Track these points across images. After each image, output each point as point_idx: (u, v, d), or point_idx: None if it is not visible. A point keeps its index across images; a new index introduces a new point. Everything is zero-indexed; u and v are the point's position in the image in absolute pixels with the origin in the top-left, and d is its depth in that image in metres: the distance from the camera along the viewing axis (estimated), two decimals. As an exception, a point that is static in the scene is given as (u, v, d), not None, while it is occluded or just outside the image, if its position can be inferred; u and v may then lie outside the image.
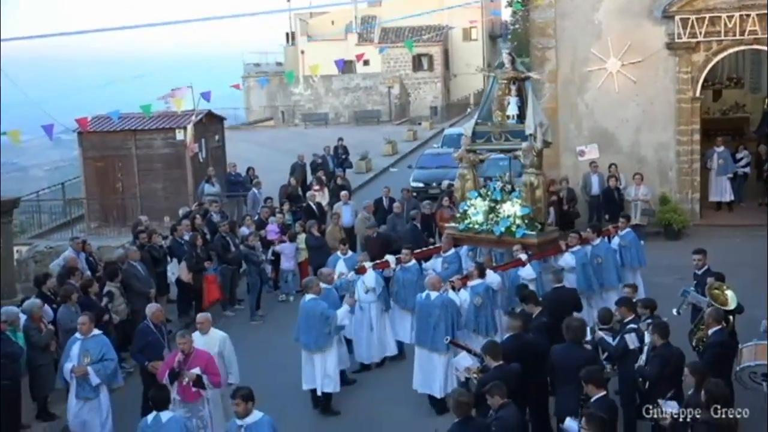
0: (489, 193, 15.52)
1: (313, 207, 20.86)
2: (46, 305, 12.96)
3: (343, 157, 30.12)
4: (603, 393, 8.86)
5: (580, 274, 14.50)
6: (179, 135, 23.92)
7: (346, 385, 13.03)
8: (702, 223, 21.84)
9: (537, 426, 10.81)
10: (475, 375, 10.11)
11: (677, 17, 21.13)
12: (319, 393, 12.57)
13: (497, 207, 15.27)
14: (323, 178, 24.49)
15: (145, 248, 16.27)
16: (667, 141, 21.93)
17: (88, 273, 15.33)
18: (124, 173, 24.31)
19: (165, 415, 9.24)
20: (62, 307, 12.98)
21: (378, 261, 14.67)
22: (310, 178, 26.20)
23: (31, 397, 12.42)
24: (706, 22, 20.97)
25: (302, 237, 18.46)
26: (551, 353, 10.23)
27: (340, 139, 31.35)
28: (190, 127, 23.39)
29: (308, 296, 12.53)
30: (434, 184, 26.04)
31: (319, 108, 55.68)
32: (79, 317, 11.60)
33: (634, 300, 11.63)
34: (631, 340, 10.50)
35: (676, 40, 21.25)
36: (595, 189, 21.50)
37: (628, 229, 16.18)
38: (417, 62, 59.33)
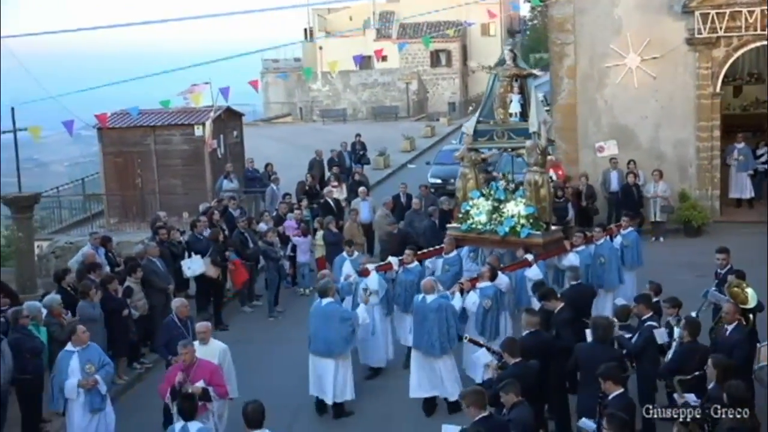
0: (492, 192, 15.25)
1: (331, 203, 20.88)
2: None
3: (361, 153, 30.11)
4: (621, 390, 8.82)
5: (583, 274, 14.16)
6: (198, 131, 23.98)
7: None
8: (722, 220, 21.71)
9: (558, 424, 10.79)
10: (494, 371, 10.11)
11: (697, 12, 20.99)
12: (330, 401, 12.29)
13: (501, 206, 14.99)
14: (338, 174, 24.52)
15: (164, 244, 16.34)
16: (686, 137, 21.81)
17: (107, 268, 15.42)
18: (143, 169, 24.42)
19: (193, 426, 8.80)
20: (81, 302, 13.05)
21: (381, 263, 14.48)
22: (328, 174, 26.22)
23: (51, 392, 12.52)
24: (726, 17, 20.82)
25: (320, 233, 18.48)
26: (576, 351, 10.19)
27: (358, 135, 31.33)
28: (208, 123, 23.46)
29: (325, 300, 12.31)
30: (452, 181, 25.84)
31: (337, 104, 55.72)
32: (79, 326, 11.09)
33: (654, 300, 11.57)
34: (660, 335, 10.48)
35: (696, 36, 21.11)
36: (615, 185, 21.43)
37: (630, 229, 16.03)
38: (435, 58, 59.23)
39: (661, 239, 21.05)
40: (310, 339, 12.41)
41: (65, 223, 25.37)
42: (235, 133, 26.46)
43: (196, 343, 10.91)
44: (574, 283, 12.98)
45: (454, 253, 14.91)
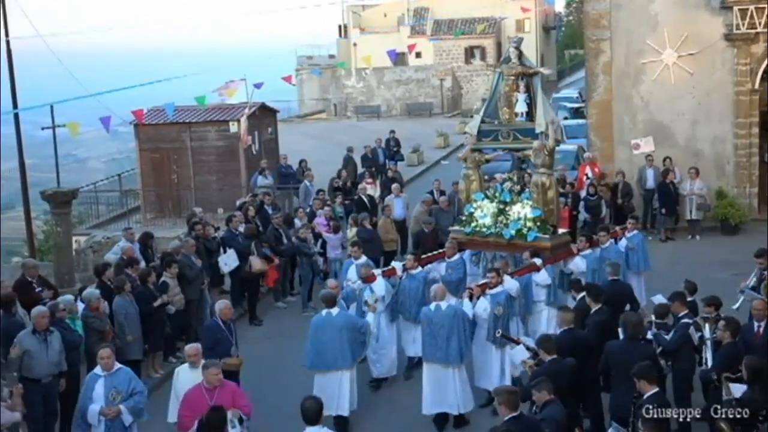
0: (497, 194, 14.83)
1: (365, 200, 20.90)
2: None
3: (395, 149, 30.16)
4: (655, 390, 8.75)
5: (590, 278, 13.74)
6: (233, 127, 24.15)
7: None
8: (760, 218, 21.37)
9: (592, 423, 10.74)
10: (530, 368, 10.07)
11: (736, 8, 20.75)
12: (344, 413, 11.74)
13: (506, 209, 14.55)
14: (372, 170, 24.55)
15: (199, 240, 16.47)
16: (724, 134, 21.57)
17: (143, 264, 15.57)
18: (179, 165, 24.63)
19: None
20: (117, 297, 13.22)
21: (386, 268, 14.09)
22: (361, 170, 26.25)
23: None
24: (766, 12, 20.53)
25: (353, 230, 18.51)
26: (607, 349, 10.11)
27: (392, 131, 31.39)
28: (243, 120, 23.60)
29: (335, 311, 11.82)
30: (485, 177, 25.88)
31: (372, 100, 55.72)
32: (102, 350, 10.25)
33: (689, 299, 11.47)
34: (694, 334, 10.41)
35: (735, 31, 20.86)
36: (651, 183, 21.25)
37: (635, 231, 15.77)
38: (469, 54, 59.07)
39: (698, 237, 20.87)
40: (315, 356, 11.70)
41: (102, 219, 25.68)
42: (269, 129, 26.63)
43: (183, 366, 10.44)
44: (613, 278, 12.84)
45: (457, 256, 14.39)
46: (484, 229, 14.69)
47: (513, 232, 14.31)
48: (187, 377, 10.18)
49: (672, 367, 10.67)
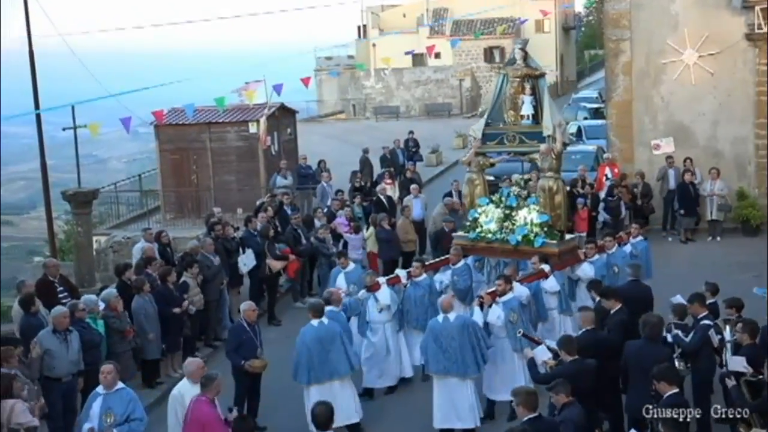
0: (502, 199, 14.60)
1: (384, 200, 20.90)
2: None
3: (414, 150, 30.14)
4: (675, 390, 8.71)
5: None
6: (252, 128, 24.22)
7: None
8: (781, 220, 21.26)
9: (611, 424, 10.70)
10: (551, 368, 10.04)
11: (758, 7, 20.60)
12: (356, 419, 11.61)
13: (512, 214, 14.33)
14: (391, 171, 24.55)
15: (218, 240, 16.53)
16: (745, 135, 21.43)
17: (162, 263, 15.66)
18: (199, 165, 24.72)
19: None
20: (136, 297, 13.31)
21: (390, 276, 13.83)
22: (380, 170, 26.23)
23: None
24: (788, 12, 20.39)
25: (371, 230, 18.51)
26: (625, 349, 10.08)
27: (411, 132, 31.38)
28: (263, 120, 23.66)
29: (325, 320, 11.52)
30: (504, 177, 25.84)
31: (390, 101, 55.69)
32: (105, 365, 9.87)
33: (711, 300, 11.40)
34: (712, 337, 10.37)
35: (756, 31, 20.72)
36: (672, 183, 21.12)
37: (640, 238, 15.54)
38: (489, 55, 58.95)
39: (718, 238, 20.73)
40: (313, 369, 11.32)
41: (123, 219, 25.81)
42: (288, 130, 26.69)
43: (183, 382, 9.97)
44: (632, 278, 12.74)
45: (462, 262, 14.16)
46: (490, 235, 14.48)
47: (520, 237, 14.12)
48: (187, 390, 9.66)
49: (692, 368, 10.62)
